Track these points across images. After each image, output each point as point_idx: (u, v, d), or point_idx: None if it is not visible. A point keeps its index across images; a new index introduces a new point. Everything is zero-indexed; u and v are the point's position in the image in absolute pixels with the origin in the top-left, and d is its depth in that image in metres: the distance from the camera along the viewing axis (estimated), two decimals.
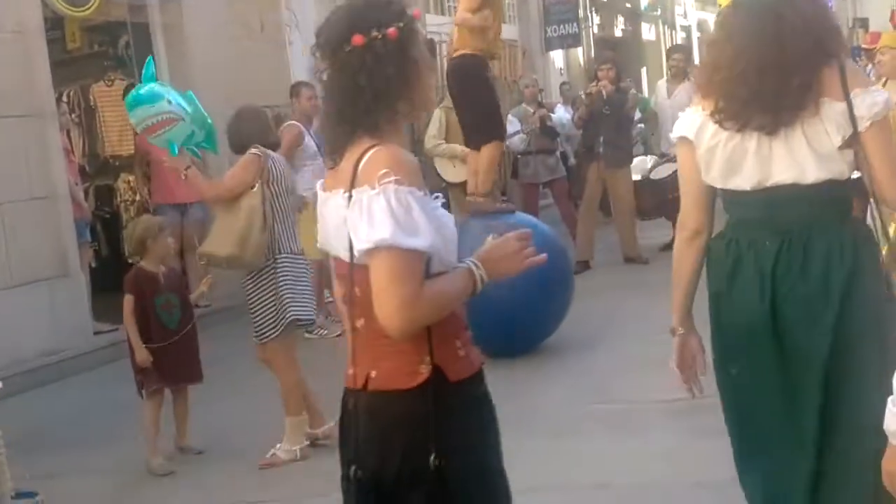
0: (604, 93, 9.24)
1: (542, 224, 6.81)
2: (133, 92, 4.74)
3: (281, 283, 4.74)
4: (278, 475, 4.74)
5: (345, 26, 2.10)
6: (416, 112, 2.21)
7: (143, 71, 4.78)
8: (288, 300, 4.72)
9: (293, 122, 7.58)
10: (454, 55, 6.54)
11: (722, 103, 2.53)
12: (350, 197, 2.05)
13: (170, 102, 4.65)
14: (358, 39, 2.07)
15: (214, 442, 5.30)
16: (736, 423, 2.72)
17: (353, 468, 2.13)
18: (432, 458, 2.06)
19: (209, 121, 4.90)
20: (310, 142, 7.66)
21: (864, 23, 15.48)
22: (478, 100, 6.46)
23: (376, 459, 2.11)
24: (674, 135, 2.74)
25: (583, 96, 10.24)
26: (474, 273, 2.12)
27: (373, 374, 2.13)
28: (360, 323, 2.15)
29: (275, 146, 5.09)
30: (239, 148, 4.94)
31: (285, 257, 4.77)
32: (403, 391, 2.09)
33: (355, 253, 2.06)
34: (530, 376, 5.93)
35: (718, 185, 2.62)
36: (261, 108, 5.62)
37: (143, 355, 4.88)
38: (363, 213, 2.01)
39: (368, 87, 2.07)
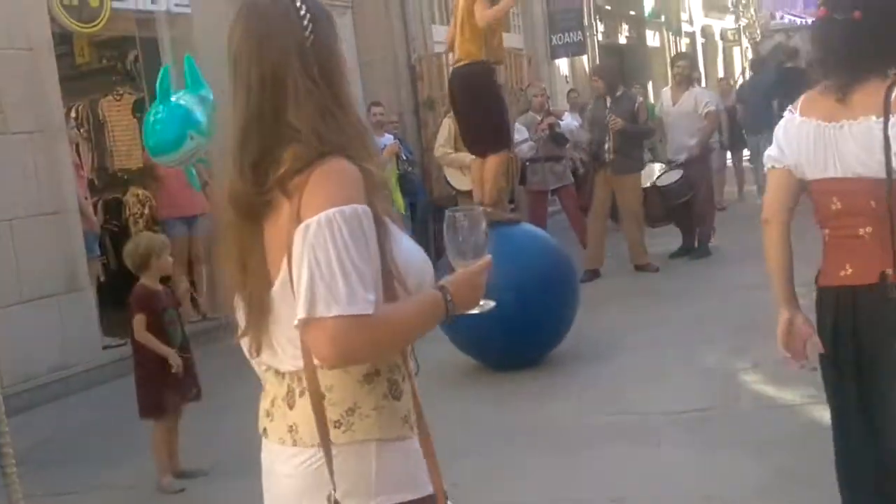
0: (609, 129, 9.21)
1: (546, 235, 6.80)
2: (153, 137, 4.64)
3: None
4: None
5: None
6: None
7: (158, 83, 4.73)
8: None
9: None
10: (459, 64, 6.49)
11: None
12: (885, 121, 2.53)
13: (192, 138, 4.58)
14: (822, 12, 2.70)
15: (224, 458, 5.28)
16: None
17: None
18: None
19: (212, 97, 4.81)
20: None
21: None
22: (487, 109, 6.44)
23: None
24: None
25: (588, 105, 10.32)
26: None
27: (889, 271, 2.58)
28: (866, 230, 2.61)
29: None
30: None
31: None
32: None
33: None
34: (540, 388, 5.92)
35: None
36: None
37: (177, 360, 4.83)
38: None
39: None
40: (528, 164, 10.36)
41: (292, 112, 1.76)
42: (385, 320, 1.71)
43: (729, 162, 14.33)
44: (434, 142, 10.07)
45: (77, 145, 8.28)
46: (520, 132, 10.01)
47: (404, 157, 10.15)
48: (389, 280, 1.76)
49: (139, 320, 4.87)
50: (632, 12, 19.50)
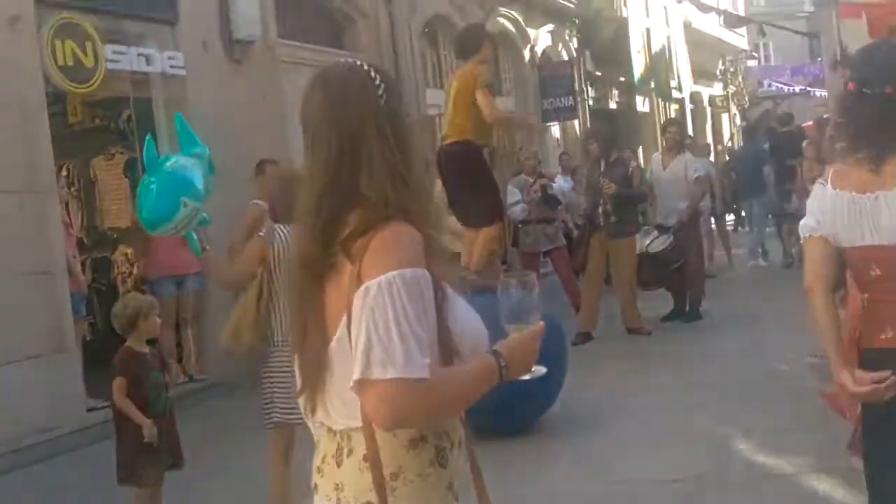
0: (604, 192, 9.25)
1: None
2: (145, 209, 4.61)
3: (269, 380, 4.57)
4: None
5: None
6: None
7: (144, 153, 4.72)
8: (276, 399, 4.51)
9: (258, 200, 7.12)
10: (449, 143, 6.42)
11: None
12: None
13: (185, 205, 4.54)
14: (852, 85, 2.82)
15: None
16: None
17: None
18: None
19: (207, 153, 4.82)
20: None
21: None
22: (477, 188, 6.41)
23: None
24: None
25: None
26: None
27: None
28: None
29: None
30: None
31: (277, 351, 4.51)
32: None
33: None
34: (531, 455, 5.84)
35: None
36: (289, 173, 5.12)
37: (151, 430, 4.72)
38: None
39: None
40: (520, 225, 10.38)
41: (365, 178, 1.82)
42: (440, 385, 1.73)
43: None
44: None
45: (67, 204, 8.27)
46: (512, 194, 10.05)
47: None
48: (445, 345, 1.80)
49: (119, 384, 4.75)
50: (621, 78, 19.73)
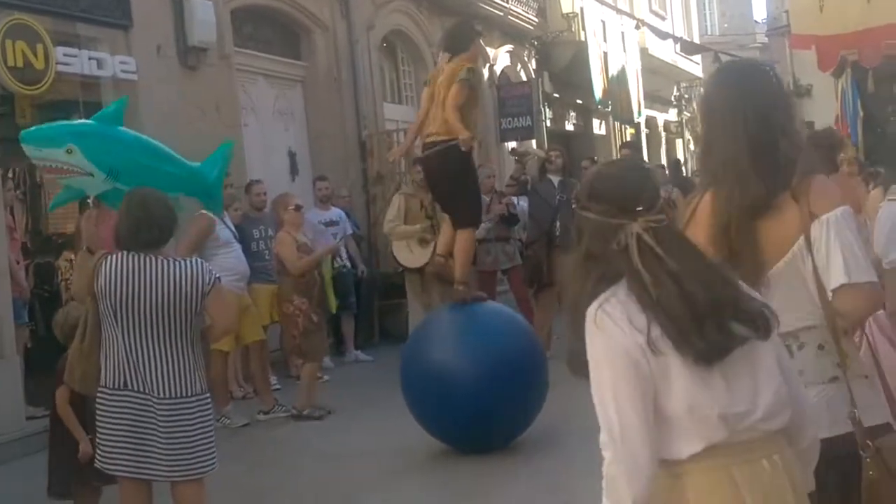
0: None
1: (518, 316, 6.74)
2: (39, 127, 4.58)
3: (97, 424, 4.18)
4: None
5: None
6: None
7: (108, 106, 4.62)
8: (98, 444, 4.20)
9: (203, 211, 6.92)
10: (432, 139, 6.31)
11: None
12: None
13: (69, 152, 4.41)
14: None
15: None
16: None
17: None
18: None
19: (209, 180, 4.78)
20: (223, 230, 7.51)
21: (810, 126, 15.96)
22: (465, 186, 6.41)
23: None
24: None
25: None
26: None
27: None
28: None
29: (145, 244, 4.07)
30: None
31: (100, 393, 4.11)
32: None
33: None
34: (484, 474, 5.77)
35: None
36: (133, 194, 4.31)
37: (87, 447, 4.52)
38: None
39: None
40: (479, 243, 10.32)
41: (784, 141, 2.41)
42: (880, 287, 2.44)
43: None
44: (382, 217, 10.03)
45: (11, 207, 8.05)
46: None
47: (351, 231, 10.09)
48: None
49: (62, 392, 4.59)
50: (579, 101, 19.84)
